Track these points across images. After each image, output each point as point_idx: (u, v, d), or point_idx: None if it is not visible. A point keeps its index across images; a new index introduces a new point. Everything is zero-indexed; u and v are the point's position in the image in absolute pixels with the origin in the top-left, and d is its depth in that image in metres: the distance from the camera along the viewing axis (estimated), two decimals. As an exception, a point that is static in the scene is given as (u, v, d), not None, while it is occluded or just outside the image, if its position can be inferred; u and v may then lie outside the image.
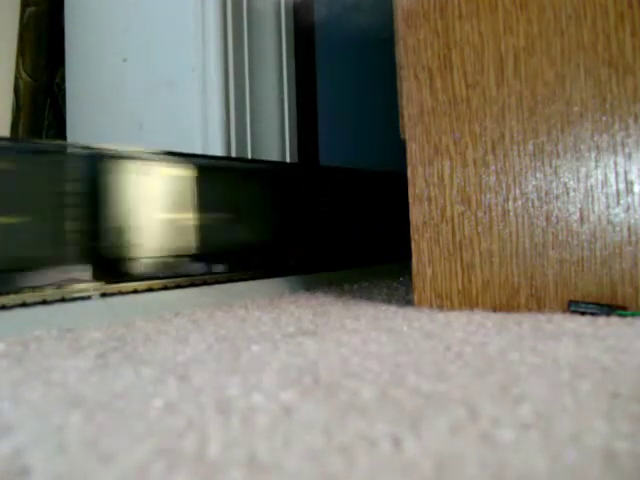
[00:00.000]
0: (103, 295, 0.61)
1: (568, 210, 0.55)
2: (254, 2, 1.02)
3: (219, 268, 0.77)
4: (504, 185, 0.57)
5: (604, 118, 0.53)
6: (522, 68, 0.56)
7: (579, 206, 0.54)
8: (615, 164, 0.53)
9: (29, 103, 1.27)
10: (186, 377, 0.35)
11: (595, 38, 0.54)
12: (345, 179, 0.98)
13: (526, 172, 0.56)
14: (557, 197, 0.55)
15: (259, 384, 0.33)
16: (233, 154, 0.98)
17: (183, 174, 0.71)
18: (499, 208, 0.57)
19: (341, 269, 0.90)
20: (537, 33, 0.56)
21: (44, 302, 0.56)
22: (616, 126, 0.53)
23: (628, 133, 0.53)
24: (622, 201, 0.53)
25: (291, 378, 0.34)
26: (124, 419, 0.28)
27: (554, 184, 0.55)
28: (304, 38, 1.07)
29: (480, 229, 0.58)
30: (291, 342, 0.44)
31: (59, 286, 0.60)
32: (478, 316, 0.53)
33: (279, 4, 1.03)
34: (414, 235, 0.60)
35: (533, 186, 0.56)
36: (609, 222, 0.53)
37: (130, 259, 0.66)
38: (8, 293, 0.55)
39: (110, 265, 0.65)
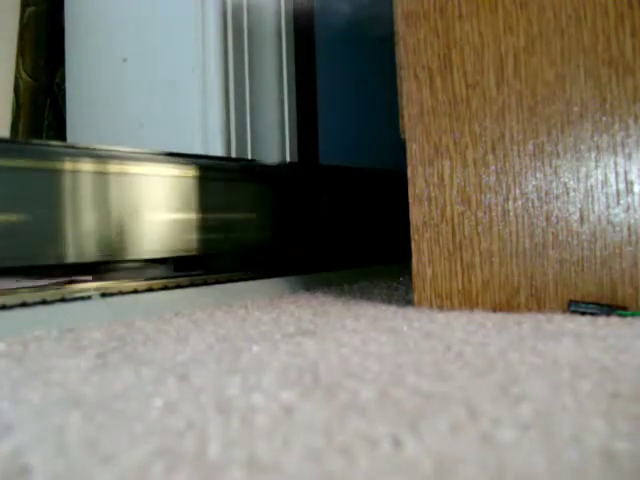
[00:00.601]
0: (103, 295, 0.61)
1: (568, 210, 0.55)
2: (254, 2, 1.02)
3: (219, 268, 0.77)
4: (504, 185, 0.57)
5: (604, 118, 0.53)
6: (522, 68, 0.56)
7: (579, 206, 0.54)
8: (615, 164, 0.53)
9: (29, 103, 1.27)
10: (186, 377, 0.35)
11: (595, 38, 0.54)
12: (345, 178, 0.98)
13: (526, 172, 0.56)
14: (557, 197, 0.55)
15: (259, 384, 0.33)
16: (233, 154, 0.98)
17: (182, 174, 0.71)
18: (499, 208, 0.57)
19: (341, 269, 0.90)
20: (537, 33, 0.56)
21: (44, 302, 0.56)
22: (616, 126, 0.53)
23: (628, 133, 0.53)
24: (622, 201, 0.53)
25: (291, 378, 0.34)
26: (124, 419, 0.28)
27: (554, 184, 0.55)
28: (304, 38, 1.06)
29: (480, 229, 0.58)
30: (291, 342, 0.44)
31: (59, 286, 0.60)
32: (478, 316, 0.53)
33: (279, 4, 1.03)
34: (414, 235, 0.60)
35: (533, 186, 0.56)
36: (609, 222, 0.53)
37: (130, 259, 0.66)
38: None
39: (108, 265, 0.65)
